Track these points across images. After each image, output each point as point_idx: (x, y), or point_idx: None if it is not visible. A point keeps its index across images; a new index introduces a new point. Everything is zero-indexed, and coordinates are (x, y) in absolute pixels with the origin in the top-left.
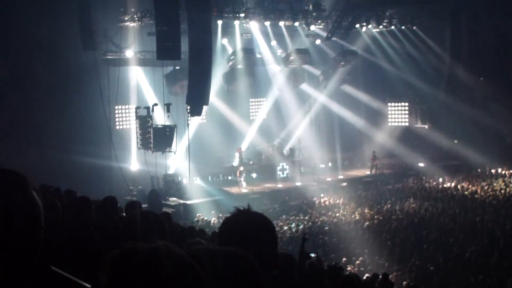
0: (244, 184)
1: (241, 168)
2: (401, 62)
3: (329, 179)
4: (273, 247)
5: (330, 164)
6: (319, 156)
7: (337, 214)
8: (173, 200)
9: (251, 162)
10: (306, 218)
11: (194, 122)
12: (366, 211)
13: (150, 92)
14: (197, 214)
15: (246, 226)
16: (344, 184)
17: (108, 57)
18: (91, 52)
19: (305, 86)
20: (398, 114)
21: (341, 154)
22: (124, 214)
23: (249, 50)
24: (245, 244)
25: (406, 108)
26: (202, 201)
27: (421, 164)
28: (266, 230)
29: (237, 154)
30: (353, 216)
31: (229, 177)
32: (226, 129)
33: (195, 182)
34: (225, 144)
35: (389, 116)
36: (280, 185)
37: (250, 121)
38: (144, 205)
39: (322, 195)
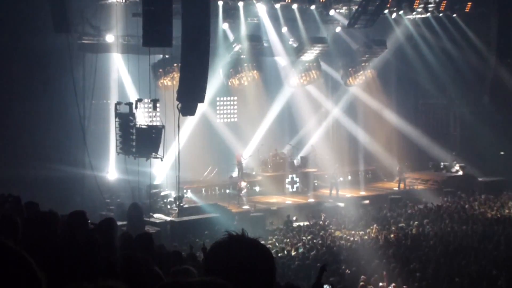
0: (245, 199)
1: (243, 184)
2: (436, 58)
3: (348, 195)
4: (269, 280)
5: (349, 177)
6: (336, 167)
7: (357, 238)
8: (158, 217)
9: (254, 173)
10: (320, 242)
11: (187, 123)
12: (391, 235)
13: (133, 86)
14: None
15: (238, 255)
16: (366, 202)
17: (85, 41)
18: (63, 35)
19: (321, 84)
20: (430, 119)
21: (364, 165)
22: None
23: (255, 38)
24: (235, 275)
25: (441, 112)
26: (194, 219)
27: (460, 172)
28: (262, 260)
29: (237, 163)
30: (376, 240)
31: (227, 191)
32: (226, 133)
33: (186, 196)
34: (224, 151)
35: (421, 119)
36: (288, 201)
37: (255, 124)
38: (122, 223)
39: (339, 215)
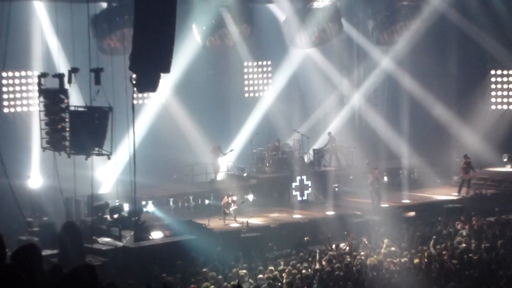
0: (233, 214)
1: (231, 199)
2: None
3: (385, 204)
4: None
5: (386, 178)
6: (366, 165)
7: (398, 268)
8: (105, 242)
9: (245, 175)
10: (342, 274)
11: (146, 104)
12: (450, 263)
13: (65, 49)
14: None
15: None
16: (411, 214)
17: None
18: None
19: (343, 50)
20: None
21: (406, 161)
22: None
23: None
24: None
25: None
26: (158, 244)
27: None
28: None
29: (215, 158)
30: (427, 271)
31: (207, 201)
32: (203, 118)
33: (146, 210)
34: (203, 143)
35: (493, 94)
36: (297, 215)
37: (245, 104)
38: (52, 251)
39: (372, 233)
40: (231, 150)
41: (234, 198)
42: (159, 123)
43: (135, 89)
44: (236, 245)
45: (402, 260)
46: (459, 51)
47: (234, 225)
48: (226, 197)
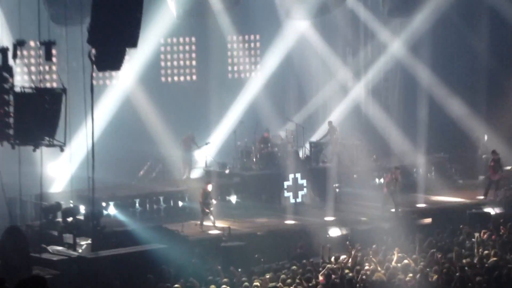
0: (212, 218)
1: (209, 187)
2: None
3: (394, 209)
4: None
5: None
6: (373, 162)
7: (413, 284)
8: (56, 251)
9: (227, 171)
10: None
11: (109, 85)
12: (471, 277)
13: (7, 18)
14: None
15: None
16: (427, 220)
17: None
18: None
19: (347, 19)
20: None
21: (425, 158)
22: None
23: None
24: None
25: None
26: (121, 255)
27: None
28: None
29: (187, 150)
30: None
31: (180, 203)
32: (178, 101)
33: (107, 213)
34: (177, 134)
35: None
36: (289, 221)
37: (228, 86)
38: None
39: (379, 243)
40: (206, 143)
41: (210, 187)
42: (124, 109)
43: (94, 67)
44: (215, 256)
45: (416, 276)
46: (490, 32)
47: (213, 232)
48: (202, 189)
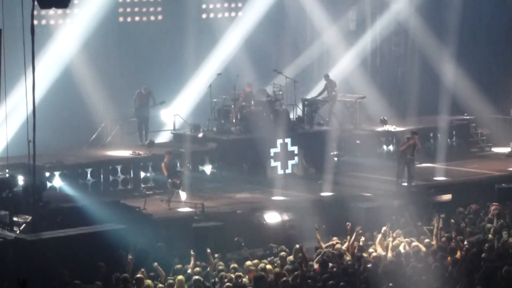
0: (182, 192)
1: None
2: None
3: (407, 183)
4: None
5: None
6: (381, 124)
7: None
8: None
9: (200, 135)
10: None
11: (54, 26)
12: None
13: None
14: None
15: None
16: (447, 196)
17: None
18: None
19: None
20: None
21: (445, 120)
22: None
23: None
24: None
25: None
26: (68, 236)
27: None
28: None
29: (143, 107)
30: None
31: (142, 174)
32: (141, 50)
33: (52, 185)
34: (138, 88)
35: None
36: (277, 197)
37: (205, 28)
38: None
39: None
40: (161, 103)
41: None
42: (74, 58)
43: (36, 3)
44: (186, 239)
45: (432, 265)
46: None
47: (183, 209)
48: (163, 162)
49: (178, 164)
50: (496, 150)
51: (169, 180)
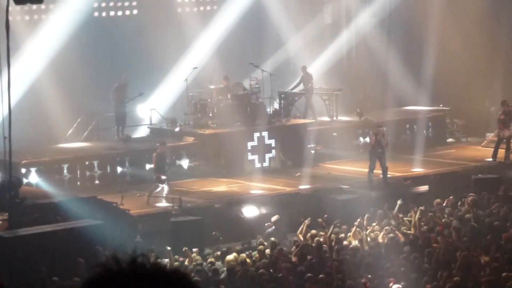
0: (166, 187)
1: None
2: None
3: (383, 175)
4: None
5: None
6: (357, 116)
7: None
8: None
9: (177, 129)
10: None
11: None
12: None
13: None
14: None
15: None
16: (424, 188)
17: None
18: None
19: None
20: None
21: (421, 111)
22: None
23: None
24: None
25: None
26: (46, 233)
27: None
28: None
29: (120, 101)
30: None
31: (119, 169)
32: (119, 42)
33: (28, 181)
34: (112, 82)
35: None
36: (255, 190)
37: (181, 21)
38: None
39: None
40: (140, 94)
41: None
42: (49, 54)
43: None
44: (163, 234)
45: (411, 256)
46: None
47: (161, 204)
48: (156, 152)
49: (167, 159)
50: (472, 140)
51: (157, 175)
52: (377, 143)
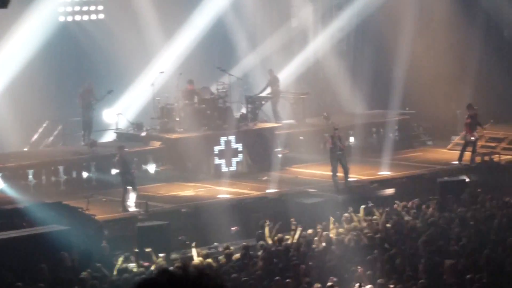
0: (134, 192)
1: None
2: None
3: (351, 178)
4: None
5: (353, 139)
6: (324, 120)
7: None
8: None
9: (143, 134)
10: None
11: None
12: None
13: None
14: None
15: None
16: (390, 191)
17: None
18: None
19: None
20: None
21: (388, 114)
22: None
23: None
24: None
25: None
26: (10, 239)
27: None
28: None
29: (87, 106)
30: None
31: (84, 174)
32: (84, 47)
33: None
34: (78, 87)
35: None
36: (222, 195)
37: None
38: None
39: (329, 221)
40: (109, 92)
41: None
42: (14, 59)
43: None
44: (130, 239)
45: (377, 259)
46: None
47: (130, 209)
48: (118, 156)
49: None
50: (437, 144)
51: (122, 177)
52: (335, 145)
